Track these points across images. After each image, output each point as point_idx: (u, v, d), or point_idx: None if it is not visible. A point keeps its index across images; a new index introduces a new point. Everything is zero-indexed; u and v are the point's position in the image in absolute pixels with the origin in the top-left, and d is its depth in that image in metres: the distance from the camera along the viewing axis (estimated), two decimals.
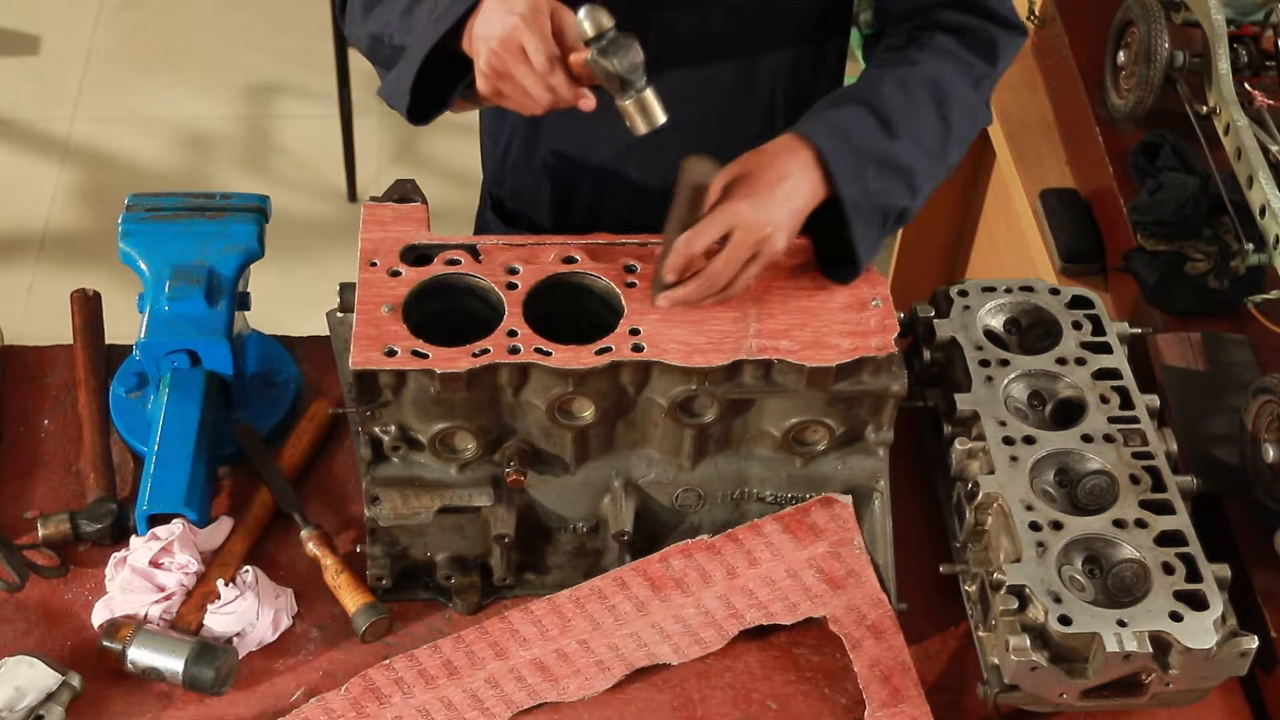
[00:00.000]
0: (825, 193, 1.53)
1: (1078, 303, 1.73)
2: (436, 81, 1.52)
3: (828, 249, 1.60)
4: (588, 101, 1.46)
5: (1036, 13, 2.50)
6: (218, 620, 1.55)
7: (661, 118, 1.46)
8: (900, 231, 3.03)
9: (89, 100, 4.06)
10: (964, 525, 1.60)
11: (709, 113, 1.72)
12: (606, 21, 1.41)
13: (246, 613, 1.55)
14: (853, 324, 1.54)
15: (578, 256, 1.58)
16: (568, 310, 1.57)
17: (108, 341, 1.83)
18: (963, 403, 1.62)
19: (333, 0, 1.83)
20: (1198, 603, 1.45)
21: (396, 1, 1.59)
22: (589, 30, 1.41)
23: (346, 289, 1.57)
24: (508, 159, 1.89)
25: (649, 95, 1.45)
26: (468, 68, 1.50)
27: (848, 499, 1.61)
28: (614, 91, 1.44)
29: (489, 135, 1.94)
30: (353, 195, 3.81)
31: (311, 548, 1.63)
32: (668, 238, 1.50)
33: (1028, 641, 1.44)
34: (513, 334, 1.50)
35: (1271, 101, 2.02)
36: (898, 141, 1.56)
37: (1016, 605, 1.46)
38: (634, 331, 1.51)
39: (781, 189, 1.50)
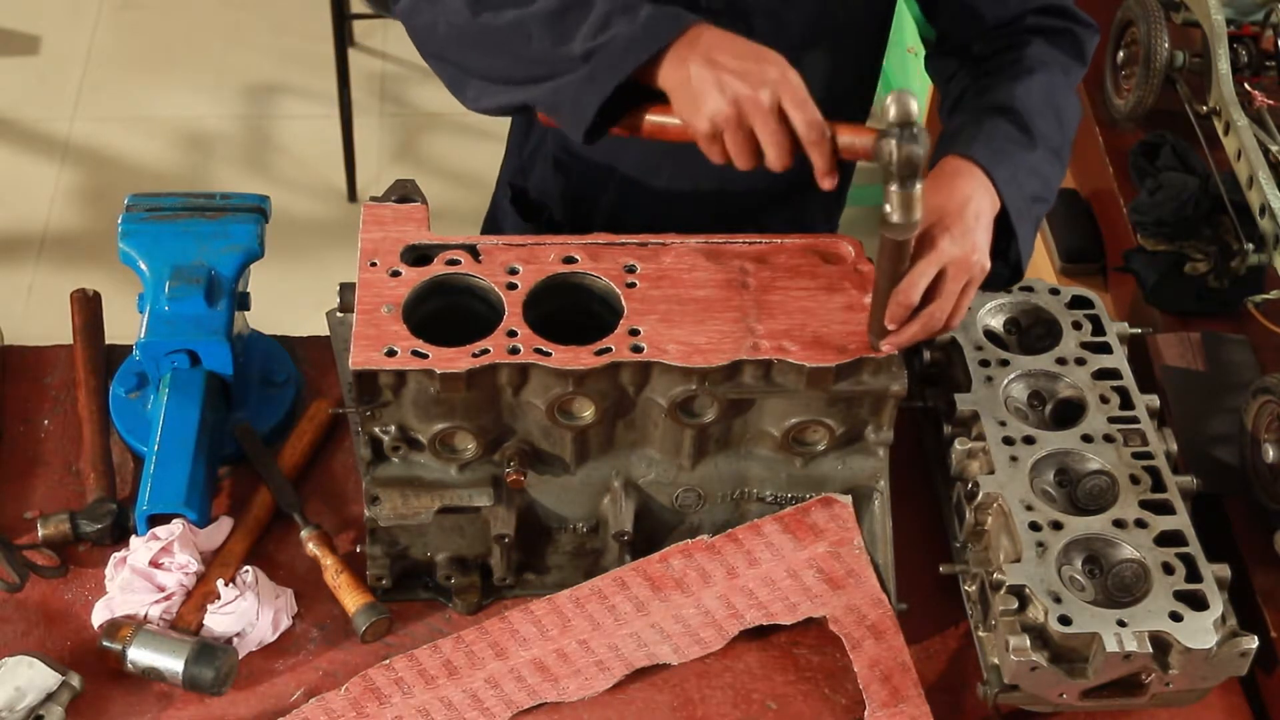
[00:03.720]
0: (999, 205, 1.56)
1: (1078, 303, 1.73)
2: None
3: None
4: (832, 180, 1.41)
5: None
6: (218, 620, 1.55)
7: (919, 215, 1.39)
8: None
9: (89, 100, 4.06)
10: (964, 525, 1.60)
11: None
12: (915, 110, 1.35)
13: (246, 613, 1.55)
14: (853, 324, 1.54)
15: (578, 256, 1.58)
16: (568, 310, 1.57)
17: (108, 341, 1.83)
18: (963, 403, 1.62)
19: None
20: (1198, 603, 1.45)
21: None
22: (896, 116, 1.35)
23: (346, 289, 1.57)
24: (539, 152, 1.88)
25: (919, 190, 1.38)
26: (640, 93, 1.44)
27: (848, 499, 1.61)
28: (897, 178, 1.37)
29: (519, 126, 1.93)
30: (353, 195, 3.81)
31: (311, 548, 1.63)
32: (879, 289, 1.47)
33: (1028, 641, 1.44)
34: (513, 334, 1.50)
35: (1271, 101, 2.03)
36: (1035, 151, 1.59)
37: (1016, 605, 1.46)
38: (634, 331, 1.51)
39: (970, 212, 1.50)
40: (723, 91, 1.37)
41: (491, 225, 2.05)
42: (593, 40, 1.43)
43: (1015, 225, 1.57)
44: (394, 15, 1.62)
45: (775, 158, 1.39)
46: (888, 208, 1.39)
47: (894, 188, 1.37)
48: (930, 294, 1.48)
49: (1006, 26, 1.70)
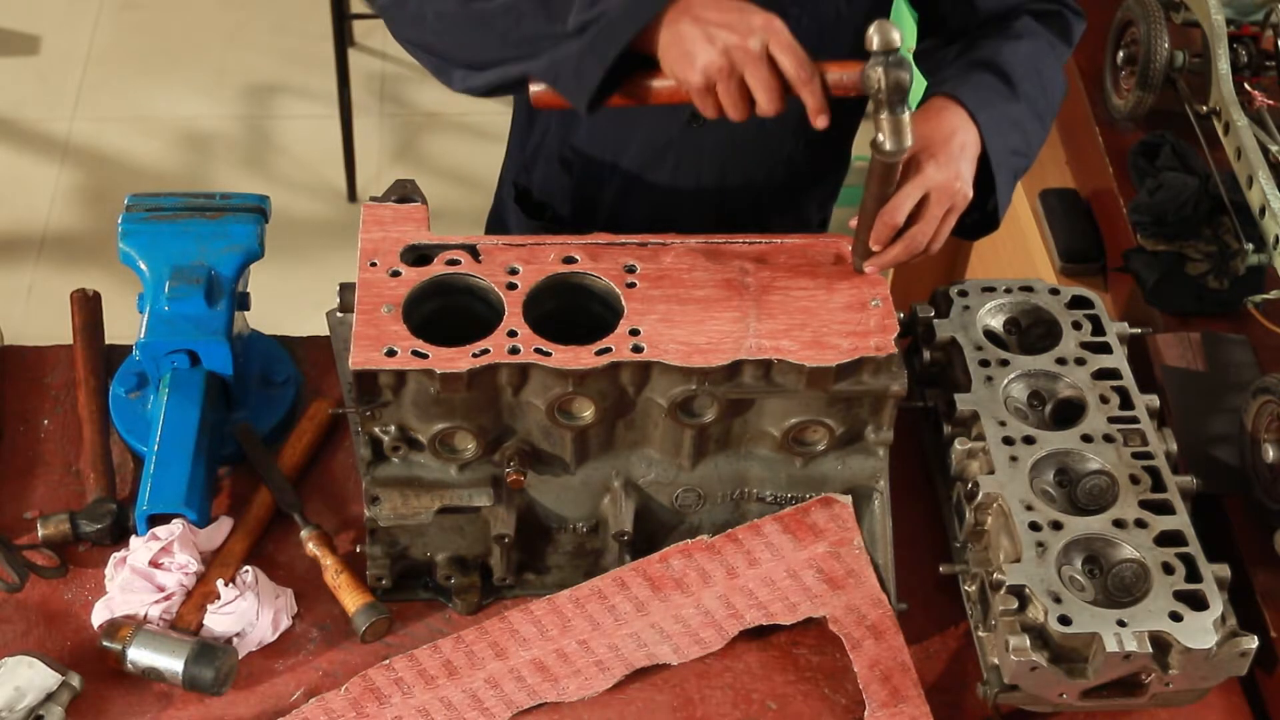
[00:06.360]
0: (980, 148, 1.62)
1: (1077, 303, 1.73)
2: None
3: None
4: (825, 118, 1.46)
5: None
6: (218, 620, 1.55)
7: (910, 140, 1.46)
8: None
9: (89, 100, 4.06)
10: (964, 525, 1.60)
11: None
12: (897, 38, 1.42)
13: (246, 613, 1.55)
14: (853, 324, 1.54)
15: (578, 256, 1.58)
16: (568, 310, 1.57)
17: (108, 341, 1.83)
18: (963, 403, 1.62)
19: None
20: (1198, 603, 1.45)
21: None
22: (880, 44, 1.41)
23: (346, 289, 1.57)
24: (541, 150, 1.89)
25: (908, 117, 1.45)
26: (631, 64, 1.49)
27: (848, 499, 1.61)
28: (888, 105, 1.43)
29: (521, 124, 1.94)
30: (353, 195, 3.81)
31: (311, 548, 1.63)
32: (865, 211, 1.54)
33: (1028, 641, 1.44)
34: (513, 334, 1.50)
35: (1271, 101, 2.02)
36: (1018, 105, 1.66)
37: (1016, 605, 1.46)
38: (634, 331, 1.51)
39: (955, 143, 1.58)
40: (713, 43, 1.41)
41: (496, 223, 2.06)
42: (586, 13, 1.48)
43: (994, 171, 1.62)
44: (373, 6, 1.63)
45: (767, 102, 1.43)
46: (880, 135, 1.45)
47: (885, 115, 1.44)
48: (914, 218, 1.54)
49: (1003, 19, 1.74)
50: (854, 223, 1.57)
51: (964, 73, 1.67)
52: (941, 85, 1.65)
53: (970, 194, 1.58)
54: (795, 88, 1.43)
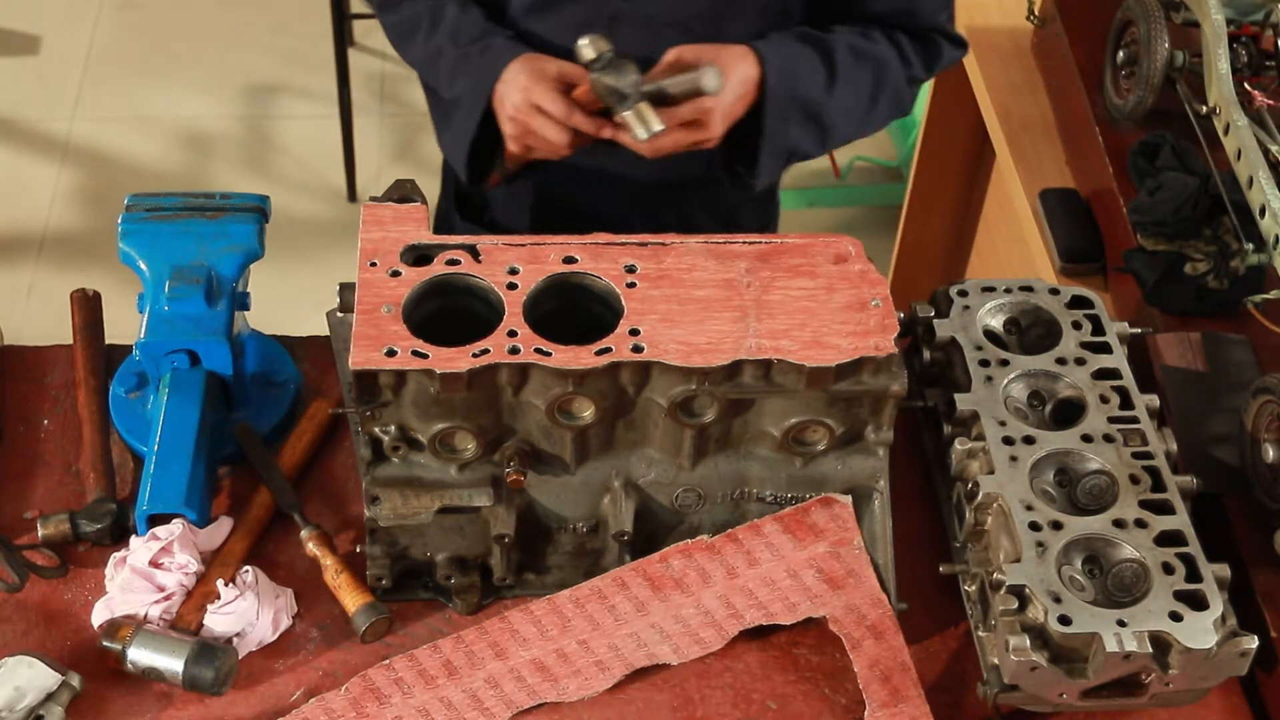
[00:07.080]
0: (749, 110, 1.72)
1: (1077, 303, 1.73)
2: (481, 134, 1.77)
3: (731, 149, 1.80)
4: (608, 132, 1.66)
5: (1036, 13, 2.50)
6: (218, 620, 1.55)
7: (658, 125, 1.63)
8: (900, 231, 3.04)
9: (89, 100, 4.06)
10: (964, 525, 1.60)
11: None
12: (605, 45, 1.63)
13: (246, 613, 1.56)
14: (853, 324, 1.54)
15: (578, 256, 1.59)
16: (568, 310, 1.57)
17: (108, 341, 1.83)
18: (963, 403, 1.62)
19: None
20: (1198, 603, 1.45)
21: (423, 39, 1.81)
22: (590, 54, 1.63)
23: (346, 289, 1.57)
24: None
25: (645, 106, 1.63)
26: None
27: (848, 499, 1.61)
28: (614, 104, 1.63)
29: None
30: (353, 195, 3.81)
31: (311, 548, 1.63)
32: (651, 81, 1.64)
33: (1028, 641, 1.44)
34: (513, 334, 1.50)
35: (1271, 101, 2.02)
36: (830, 100, 1.75)
37: (1016, 605, 1.46)
38: (634, 331, 1.51)
39: (735, 96, 1.68)
40: (504, 113, 1.71)
41: (443, 226, 2.08)
42: (450, 90, 1.79)
43: (762, 148, 1.73)
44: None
45: (557, 137, 1.68)
46: (629, 132, 1.65)
47: (618, 112, 1.64)
48: (670, 129, 1.66)
49: (879, 25, 1.80)
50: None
51: (798, 42, 1.74)
52: (765, 42, 1.72)
53: (715, 143, 1.70)
54: (566, 123, 1.66)
